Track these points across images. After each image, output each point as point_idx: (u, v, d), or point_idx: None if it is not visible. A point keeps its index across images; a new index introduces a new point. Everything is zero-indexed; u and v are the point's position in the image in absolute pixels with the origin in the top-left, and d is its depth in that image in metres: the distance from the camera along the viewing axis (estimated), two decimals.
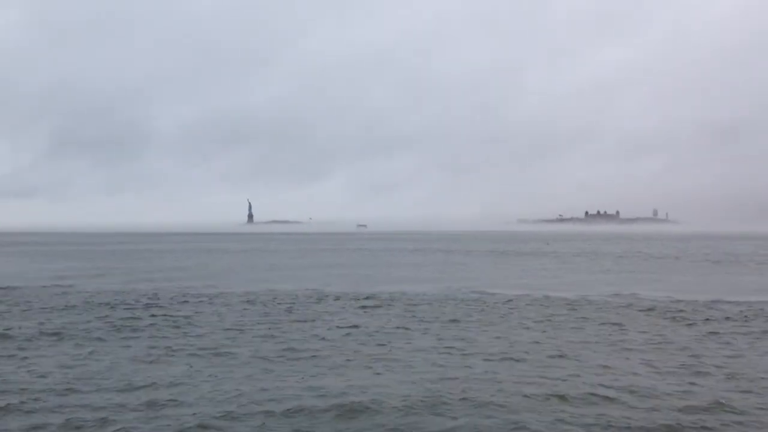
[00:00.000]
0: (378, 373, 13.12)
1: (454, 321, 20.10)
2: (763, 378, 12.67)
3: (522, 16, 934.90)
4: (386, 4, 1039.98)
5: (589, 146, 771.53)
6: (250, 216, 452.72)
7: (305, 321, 20.23)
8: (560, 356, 14.77)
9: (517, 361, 14.30)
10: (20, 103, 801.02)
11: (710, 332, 18.01)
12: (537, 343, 16.44)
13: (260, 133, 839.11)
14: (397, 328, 18.85)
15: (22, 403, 11.02)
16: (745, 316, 20.97)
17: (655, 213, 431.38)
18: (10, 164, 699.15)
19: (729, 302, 24.63)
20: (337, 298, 26.32)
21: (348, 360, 14.40)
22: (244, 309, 23.07)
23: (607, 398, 11.24)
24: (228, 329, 18.56)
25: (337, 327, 18.98)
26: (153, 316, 21.25)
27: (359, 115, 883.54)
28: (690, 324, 19.48)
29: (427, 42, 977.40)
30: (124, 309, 23.04)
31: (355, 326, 19.12)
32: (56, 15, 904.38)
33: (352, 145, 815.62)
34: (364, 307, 23.67)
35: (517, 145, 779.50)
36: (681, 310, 22.35)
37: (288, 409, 10.66)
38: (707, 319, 20.35)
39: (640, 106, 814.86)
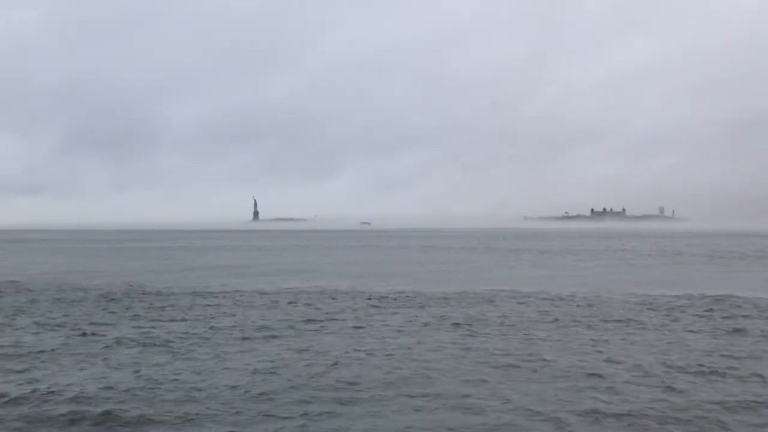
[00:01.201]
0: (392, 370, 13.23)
1: (469, 322, 20.22)
2: None
3: (540, 14, 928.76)
4: (403, 3, 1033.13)
5: (600, 143, 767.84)
6: (256, 213, 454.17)
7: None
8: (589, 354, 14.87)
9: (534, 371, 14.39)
10: (36, 100, 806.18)
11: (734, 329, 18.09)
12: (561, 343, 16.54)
13: (270, 131, 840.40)
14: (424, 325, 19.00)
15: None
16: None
17: (662, 210, 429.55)
18: (24, 161, 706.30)
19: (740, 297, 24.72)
20: (353, 297, 26.47)
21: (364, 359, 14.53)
22: (266, 308, 23.29)
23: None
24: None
25: (352, 327, 19.15)
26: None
27: (371, 114, 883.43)
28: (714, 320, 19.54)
29: (443, 40, 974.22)
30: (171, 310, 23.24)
31: (361, 327, 19.29)
32: (76, 14, 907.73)
33: (362, 143, 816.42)
34: (376, 306, 23.85)
35: (527, 143, 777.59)
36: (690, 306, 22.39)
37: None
38: (727, 316, 20.41)
39: (652, 104, 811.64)
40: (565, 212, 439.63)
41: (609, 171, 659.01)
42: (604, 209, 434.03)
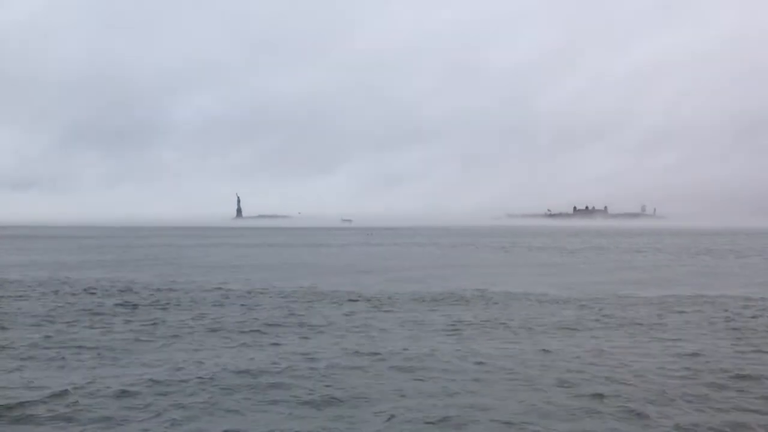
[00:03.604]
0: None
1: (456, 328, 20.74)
2: None
3: (568, 8, 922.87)
4: None
5: (604, 141, 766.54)
6: (239, 210, 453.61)
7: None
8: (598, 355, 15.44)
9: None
10: (42, 93, 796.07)
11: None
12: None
13: (280, 126, 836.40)
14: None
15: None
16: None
17: (643, 209, 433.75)
18: (22, 155, 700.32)
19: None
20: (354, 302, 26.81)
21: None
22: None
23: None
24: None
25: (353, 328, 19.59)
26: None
27: (386, 109, 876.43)
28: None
29: (471, 34, 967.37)
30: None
31: (368, 326, 19.73)
32: (87, 4, 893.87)
33: (370, 138, 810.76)
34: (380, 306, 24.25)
35: (533, 140, 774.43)
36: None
37: None
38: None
39: (662, 101, 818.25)
40: (548, 209, 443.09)
41: (604, 170, 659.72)
42: (587, 207, 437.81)
